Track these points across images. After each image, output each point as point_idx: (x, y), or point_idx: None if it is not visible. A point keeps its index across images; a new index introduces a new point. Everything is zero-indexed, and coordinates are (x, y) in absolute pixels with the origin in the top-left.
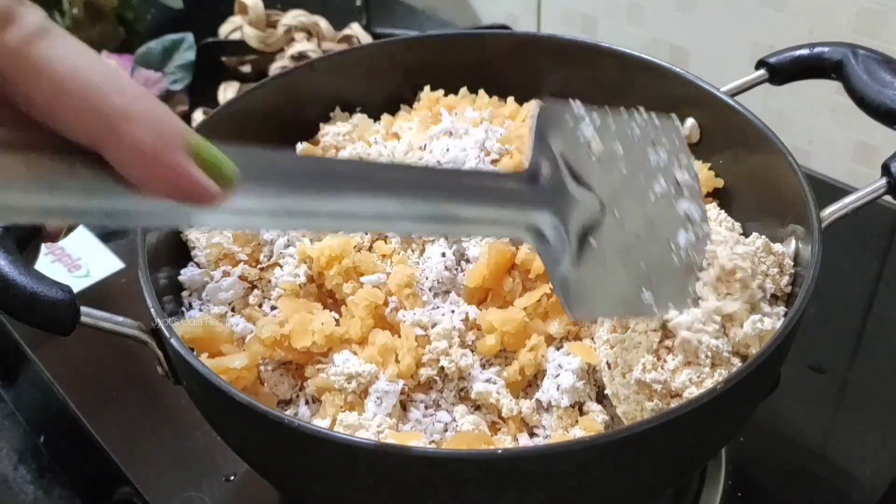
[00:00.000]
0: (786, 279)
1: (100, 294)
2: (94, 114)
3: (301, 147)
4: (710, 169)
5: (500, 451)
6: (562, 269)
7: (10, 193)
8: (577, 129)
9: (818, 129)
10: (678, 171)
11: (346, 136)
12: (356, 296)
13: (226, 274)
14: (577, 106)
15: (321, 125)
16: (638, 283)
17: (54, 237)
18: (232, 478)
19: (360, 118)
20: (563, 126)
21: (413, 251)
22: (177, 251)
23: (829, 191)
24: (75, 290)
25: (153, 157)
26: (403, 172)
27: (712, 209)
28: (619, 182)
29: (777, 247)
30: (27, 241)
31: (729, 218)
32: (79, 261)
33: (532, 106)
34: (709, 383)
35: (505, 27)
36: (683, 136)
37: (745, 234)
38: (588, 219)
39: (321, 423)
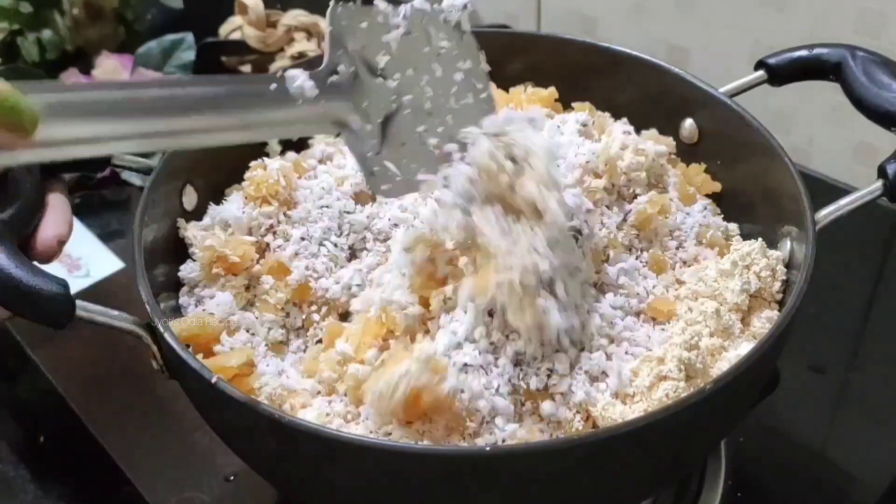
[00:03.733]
0: (777, 285)
1: (100, 293)
2: None
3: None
4: (706, 171)
5: (489, 449)
6: (366, 155)
7: None
8: (375, 32)
9: (818, 130)
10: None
11: (337, 139)
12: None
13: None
14: (379, 8)
15: None
16: (430, 162)
17: (49, 258)
18: (232, 478)
19: None
20: (360, 29)
21: None
22: (175, 248)
23: (829, 191)
24: (75, 289)
25: None
26: (214, 88)
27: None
28: (413, 74)
29: (774, 253)
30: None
31: (721, 222)
32: (79, 261)
33: (330, 9)
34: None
35: (505, 27)
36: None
37: (742, 234)
38: (386, 106)
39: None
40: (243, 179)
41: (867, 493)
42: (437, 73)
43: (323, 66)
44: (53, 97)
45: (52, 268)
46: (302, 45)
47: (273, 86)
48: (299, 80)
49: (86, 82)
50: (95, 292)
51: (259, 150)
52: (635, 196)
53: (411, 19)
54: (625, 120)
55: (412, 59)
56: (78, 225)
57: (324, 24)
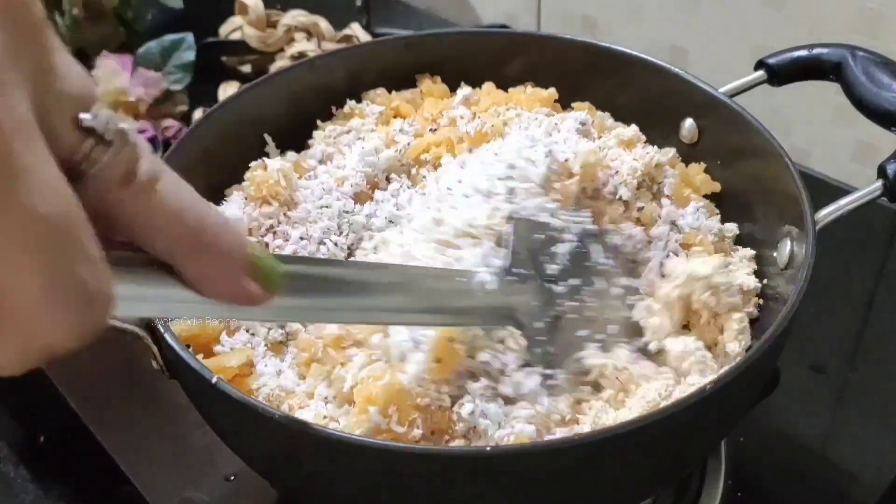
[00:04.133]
0: (751, 309)
1: None
2: (185, 245)
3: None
4: (706, 171)
5: (486, 450)
6: (538, 357)
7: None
8: (547, 244)
9: (819, 130)
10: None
11: (337, 139)
12: None
13: None
14: (554, 225)
15: (318, 122)
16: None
17: None
18: (232, 478)
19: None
20: (536, 239)
21: None
22: None
23: (829, 191)
24: None
25: (222, 279)
26: (417, 275)
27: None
28: (577, 284)
29: (746, 279)
30: None
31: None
32: None
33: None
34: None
35: (505, 27)
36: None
37: (742, 235)
38: (554, 308)
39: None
40: (243, 179)
41: (867, 493)
42: (598, 286)
43: (504, 267)
44: (292, 268)
45: None
46: (302, 45)
47: (457, 277)
48: (481, 274)
49: (312, 258)
50: None
51: (259, 151)
52: (620, 199)
53: (580, 236)
54: (635, 127)
55: (577, 271)
56: None
57: (323, 24)
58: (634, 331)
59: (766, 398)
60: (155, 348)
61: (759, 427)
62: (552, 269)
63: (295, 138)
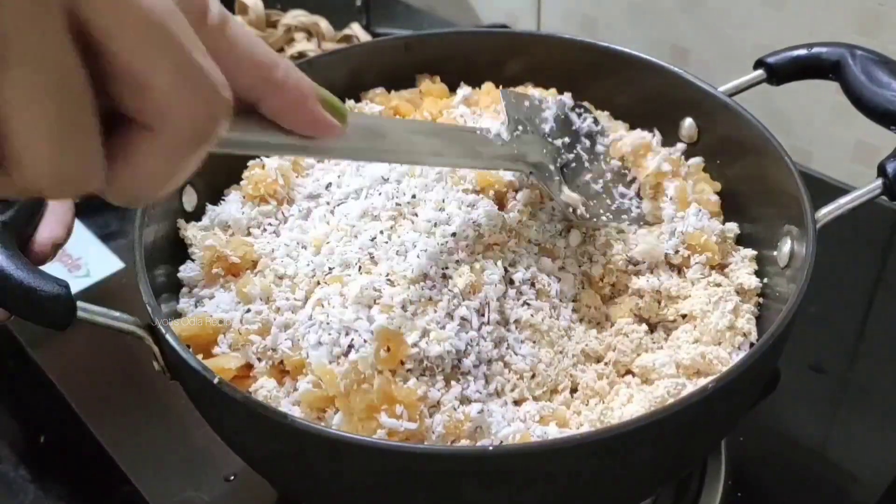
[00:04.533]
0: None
1: (100, 294)
2: (261, 79)
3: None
4: (705, 170)
5: (491, 449)
6: (562, 194)
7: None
8: (534, 110)
9: (819, 130)
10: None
11: None
12: None
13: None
14: (535, 95)
15: None
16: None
17: (42, 260)
18: (232, 478)
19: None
20: (524, 106)
21: None
22: (175, 249)
23: (829, 191)
24: (76, 289)
25: (301, 108)
26: (448, 129)
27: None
28: (569, 141)
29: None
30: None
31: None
32: (79, 260)
33: (502, 92)
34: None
35: (505, 27)
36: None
37: (742, 234)
38: (558, 155)
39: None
40: (242, 179)
41: (867, 493)
42: (587, 144)
43: (506, 124)
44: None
45: (52, 268)
46: (302, 45)
47: (478, 131)
48: (495, 129)
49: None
50: (95, 292)
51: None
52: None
53: (558, 105)
54: (657, 133)
55: (564, 132)
56: (78, 225)
57: (323, 24)
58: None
59: (765, 398)
60: (156, 349)
61: (759, 427)
62: (544, 128)
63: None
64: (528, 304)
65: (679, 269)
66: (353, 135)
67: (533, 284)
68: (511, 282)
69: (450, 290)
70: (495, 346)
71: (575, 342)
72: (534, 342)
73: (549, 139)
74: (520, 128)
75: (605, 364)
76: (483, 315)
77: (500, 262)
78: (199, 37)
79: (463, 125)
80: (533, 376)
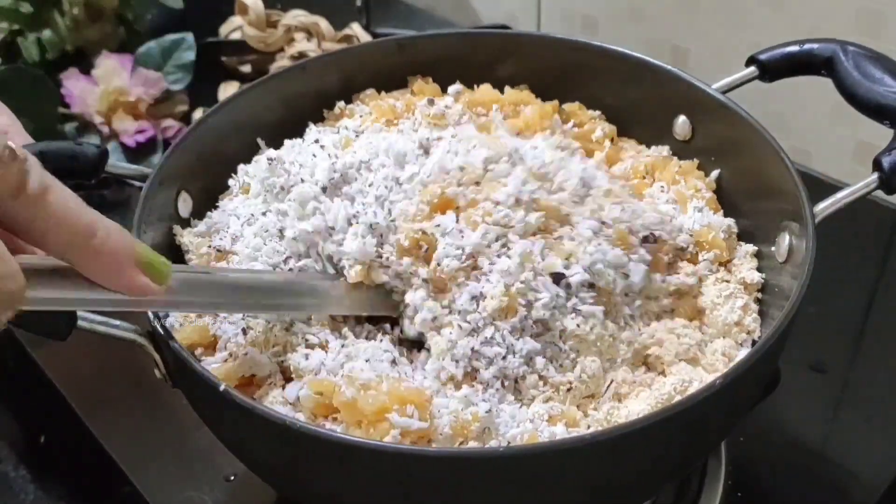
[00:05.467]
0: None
1: None
2: (77, 245)
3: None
4: (699, 168)
5: (500, 450)
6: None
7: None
8: None
9: (818, 130)
10: None
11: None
12: None
13: None
14: None
15: (310, 124)
16: None
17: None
18: (232, 478)
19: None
20: None
21: None
22: (171, 255)
23: (829, 191)
24: None
25: (115, 274)
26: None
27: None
28: None
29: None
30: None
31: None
32: None
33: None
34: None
35: (505, 27)
36: None
37: (740, 232)
38: None
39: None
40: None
41: (867, 492)
42: None
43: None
44: (178, 273)
45: None
46: (302, 45)
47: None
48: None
49: (199, 267)
50: None
51: (255, 153)
52: None
53: None
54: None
55: None
56: None
57: (323, 24)
58: None
59: (765, 398)
60: (157, 357)
61: (759, 427)
62: None
63: (290, 137)
64: (579, 312)
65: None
66: (179, 290)
67: (592, 286)
68: (568, 286)
69: (477, 310)
70: (527, 362)
71: (626, 344)
72: (578, 351)
73: None
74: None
75: (644, 367)
76: (518, 335)
77: (554, 259)
78: (14, 206)
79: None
80: (569, 389)
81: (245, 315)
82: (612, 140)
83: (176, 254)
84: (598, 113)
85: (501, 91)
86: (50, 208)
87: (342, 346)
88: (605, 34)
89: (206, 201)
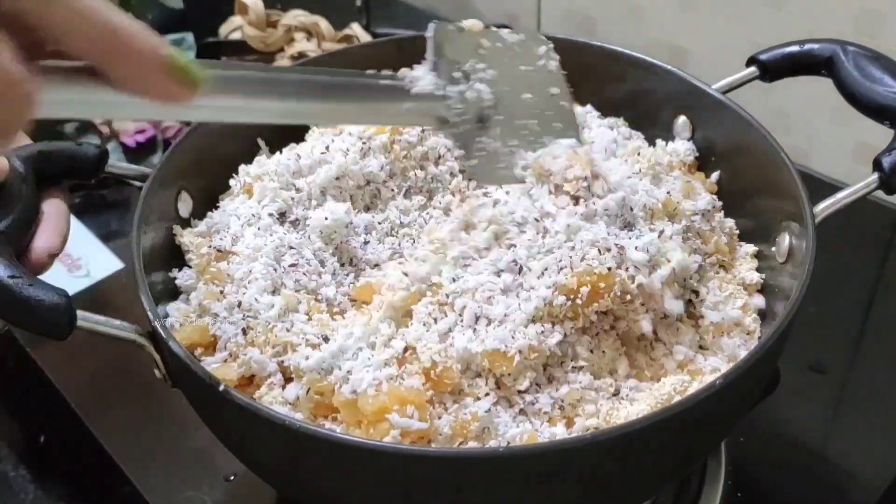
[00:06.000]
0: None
1: (100, 294)
2: (103, 48)
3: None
4: (699, 169)
5: (501, 450)
6: (469, 152)
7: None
8: (469, 46)
9: (819, 130)
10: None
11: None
12: None
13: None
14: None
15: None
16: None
17: (38, 270)
18: (232, 478)
19: None
20: (457, 39)
21: None
22: (171, 254)
23: (829, 191)
24: (75, 290)
25: (141, 79)
26: (342, 78)
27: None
28: (503, 87)
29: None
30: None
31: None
32: (79, 260)
33: (434, 24)
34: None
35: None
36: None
37: (740, 231)
38: (480, 107)
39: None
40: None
41: (867, 493)
42: (527, 93)
43: (428, 69)
44: (212, 71)
45: (52, 268)
46: (302, 45)
47: (389, 81)
48: (412, 74)
49: (238, 62)
50: (95, 293)
51: (255, 153)
52: None
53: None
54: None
55: (503, 75)
56: (78, 225)
57: (323, 24)
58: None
59: (765, 398)
60: (157, 357)
61: (759, 427)
62: (475, 69)
63: (291, 141)
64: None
65: None
66: (213, 92)
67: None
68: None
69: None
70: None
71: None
72: (580, 369)
73: (477, 84)
74: (444, 72)
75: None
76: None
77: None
78: (32, 6)
79: (368, 73)
80: (570, 405)
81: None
82: None
83: (176, 254)
84: (589, 107)
85: None
86: (72, 5)
87: (343, 345)
88: (605, 34)
89: (206, 201)
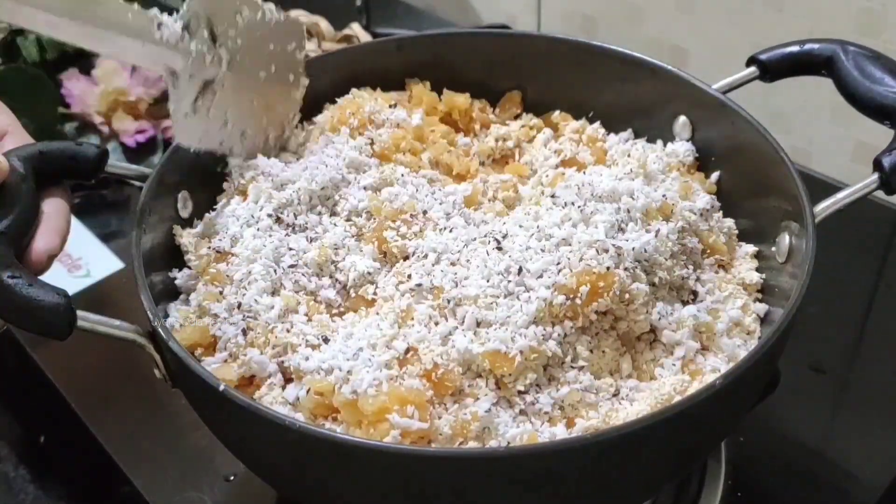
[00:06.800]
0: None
1: (100, 294)
2: None
3: None
4: (699, 168)
5: (501, 450)
6: (181, 106)
7: None
8: (230, 6)
9: (818, 130)
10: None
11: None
12: None
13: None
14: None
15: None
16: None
17: (38, 271)
18: (232, 478)
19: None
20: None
21: None
22: (171, 255)
23: (829, 191)
24: (75, 290)
25: None
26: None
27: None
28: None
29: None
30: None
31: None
32: (79, 261)
33: None
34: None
35: (505, 27)
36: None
37: (740, 231)
38: (213, 72)
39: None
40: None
41: (867, 493)
42: (263, 72)
43: (177, 17)
44: None
45: (52, 268)
46: None
47: (138, 19)
48: (170, 28)
49: None
50: (95, 293)
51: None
52: None
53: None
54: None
55: (249, 48)
56: (78, 225)
57: (323, 24)
58: None
59: (765, 398)
60: (157, 357)
61: (759, 427)
62: (223, 31)
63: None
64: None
65: None
66: None
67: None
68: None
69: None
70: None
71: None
72: (580, 369)
73: (221, 43)
74: (194, 26)
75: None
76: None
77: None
78: None
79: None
80: (570, 405)
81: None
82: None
83: (176, 254)
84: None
85: (501, 92)
86: None
87: (343, 346)
88: (605, 34)
89: (207, 202)
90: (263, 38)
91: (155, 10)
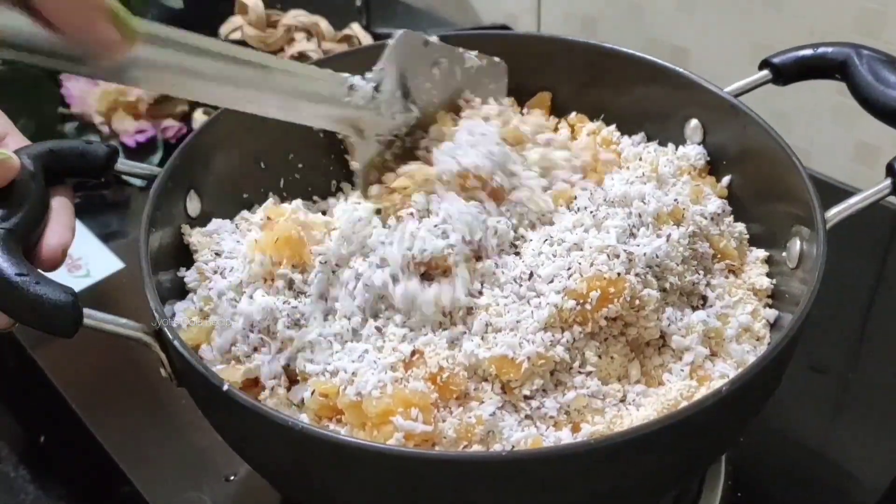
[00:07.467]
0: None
1: (100, 294)
2: None
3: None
4: (710, 173)
5: (505, 454)
6: (366, 161)
7: None
8: (427, 60)
9: (819, 130)
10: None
11: None
12: None
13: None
14: (434, 41)
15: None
16: None
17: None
18: (232, 478)
19: None
20: (417, 51)
21: None
22: (179, 253)
23: (830, 191)
24: (75, 290)
25: (79, 17)
26: (278, 63)
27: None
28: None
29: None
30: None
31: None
32: (79, 261)
33: (403, 32)
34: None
35: (505, 27)
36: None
37: (751, 236)
38: (402, 127)
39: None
40: (240, 187)
41: (867, 493)
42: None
43: (372, 75)
44: (150, 26)
45: None
46: (302, 45)
47: (326, 83)
48: (362, 90)
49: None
50: (96, 293)
51: (256, 158)
52: None
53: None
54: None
55: (444, 101)
56: (78, 225)
57: (323, 24)
58: None
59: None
60: (163, 356)
61: (759, 427)
62: (417, 87)
63: (293, 141)
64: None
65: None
66: (146, 47)
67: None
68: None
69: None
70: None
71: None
72: (588, 374)
73: (413, 102)
74: (387, 83)
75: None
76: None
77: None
78: None
79: (309, 69)
80: (576, 410)
81: (216, 90)
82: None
83: (184, 253)
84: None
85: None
86: None
87: (346, 346)
88: (605, 34)
89: (215, 201)
90: (463, 85)
91: (346, 74)
